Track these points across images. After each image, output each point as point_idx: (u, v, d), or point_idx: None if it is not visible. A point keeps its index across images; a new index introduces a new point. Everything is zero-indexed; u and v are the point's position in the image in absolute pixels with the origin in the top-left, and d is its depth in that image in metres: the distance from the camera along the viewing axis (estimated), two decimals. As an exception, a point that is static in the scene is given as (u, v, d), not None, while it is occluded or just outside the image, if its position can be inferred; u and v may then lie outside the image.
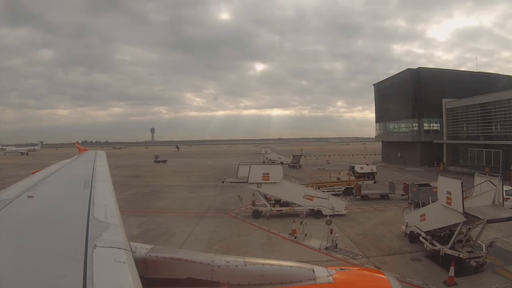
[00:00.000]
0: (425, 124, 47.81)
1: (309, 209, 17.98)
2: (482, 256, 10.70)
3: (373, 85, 60.97)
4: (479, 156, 34.37)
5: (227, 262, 2.89)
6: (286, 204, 18.88)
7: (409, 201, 20.40)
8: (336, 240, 13.19)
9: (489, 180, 12.13)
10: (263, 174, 18.17)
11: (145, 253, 2.93)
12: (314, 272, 2.84)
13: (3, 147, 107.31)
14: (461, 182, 10.65)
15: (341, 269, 3.03)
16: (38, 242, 2.23)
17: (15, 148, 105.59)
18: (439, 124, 46.05)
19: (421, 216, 13.37)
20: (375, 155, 64.74)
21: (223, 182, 22.63)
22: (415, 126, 47.85)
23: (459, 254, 10.92)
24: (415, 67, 48.97)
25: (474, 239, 11.60)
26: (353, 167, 30.51)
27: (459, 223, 10.92)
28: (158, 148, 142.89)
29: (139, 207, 21.31)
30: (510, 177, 24.53)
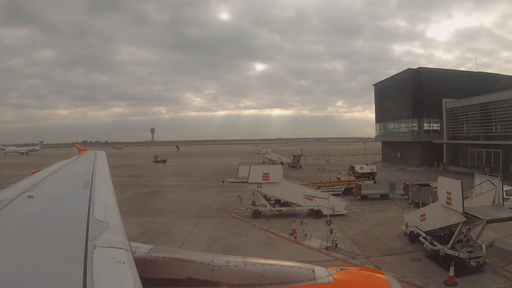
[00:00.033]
0: (425, 124, 47.81)
1: (309, 209, 17.98)
2: (482, 256, 10.70)
3: (373, 85, 60.98)
4: (479, 156, 34.37)
5: (227, 262, 2.88)
6: (286, 204, 18.88)
7: (409, 201, 20.40)
8: (336, 240, 13.19)
9: (489, 180, 12.13)
10: (263, 174, 18.17)
11: (145, 253, 2.93)
12: (314, 272, 2.84)
13: (3, 147, 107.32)
14: (461, 182, 10.65)
15: (341, 269, 3.03)
16: (38, 242, 2.23)
17: (15, 148, 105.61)
18: (439, 124, 46.06)
19: (421, 216, 13.37)
20: (375, 155, 64.73)
21: (223, 182, 22.63)
22: (415, 126, 47.86)
23: (459, 254, 10.92)
24: (415, 67, 49.05)
25: (474, 239, 11.60)
26: (353, 167, 30.51)
27: (459, 223, 10.92)
28: (158, 148, 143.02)
29: (139, 207, 21.31)
30: (510, 177, 24.52)
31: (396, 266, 11.41)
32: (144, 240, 13.67)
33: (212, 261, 2.87)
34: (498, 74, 49.37)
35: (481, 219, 10.21)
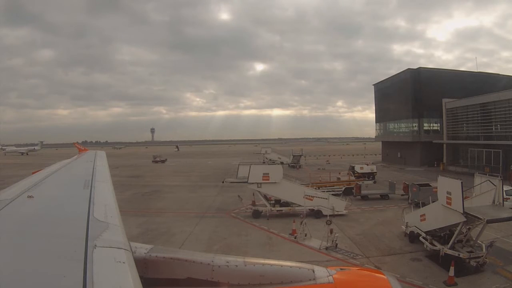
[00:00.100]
0: (425, 124, 47.81)
1: (309, 209, 17.98)
2: (482, 256, 10.70)
3: (373, 85, 60.97)
4: (479, 156, 34.37)
5: (227, 262, 2.88)
6: (286, 204, 18.88)
7: (409, 201, 20.40)
8: (336, 240, 13.19)
9: (489, 180, 12.12)
10: (263, 174, 18.16)
11: (145, 253, 2.92)
12: (314, 272, 2.84)
13: (3, 147, 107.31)
14: (461, 182, 10.65)
15: (341, 269, 3.03)
16: (38, 242, 2.23)
17: (15, 148, 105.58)
18: (439, 124, 46.05)
19: (421, 216, 13.37)
20: (375, 155, 64.73)
21: (223, 182, 22.63)
22: (415, 126, 47.85)
23: (459, 254, 10.92)
24: (415, 67, 49.03)
25: (474, 239, 11.60)
26: (353, 167, 30.48)
27: (459, 223, 10.92)
28: (158, 148, 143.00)
29: (139, 207, 21.31)
30: (510, 177, 24.53)
31: (396, 266, 11.41)
32: (144, 240, 13.67)
33: (212, 261, 2.87)
34: (498, 74, 49.38)
35: (481, 219, 10.21)
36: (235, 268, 2.85)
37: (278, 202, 19.23)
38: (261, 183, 18.17)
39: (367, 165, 32.04)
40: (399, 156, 49.73)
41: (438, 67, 70.00)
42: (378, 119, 59.25)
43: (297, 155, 48.94)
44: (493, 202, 11.52)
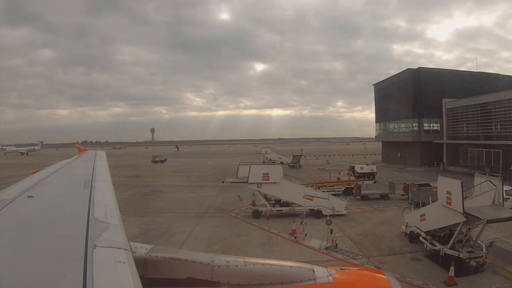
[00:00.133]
0: (425, 124, 47.81)
1: (309, 209, 17.98)
2: (482, 256, 10.70)
3: (373, 85, 60.97)
4: (479, 156, 34.37)
5: (227, 262, 2.88)
6: (286, 204, 18.88)
7: (409, 201, 20.40)
8: (336, 240, 13.19)
9: (489, 180, 12.12)
10: (263, 174, 18.16)
11: (145, 253, 2.92)
12: (314, 272, 2.84)
13: (3, 147, 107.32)
14: (461, 182, 10.65)
15: (341, 269, 3.02)
16: (38, 242, 2.23)
17: (15, 148, 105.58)
18: (439, 124, 46.05)
19: (421, 216, 13.37)
20: (375, 155, 64.72)
21: (223, 182, 22.63)
22: (415, 126, 47.85)
23: (459, 254, 10.92)
24: (415, 67, 49.03)
25: (474, 239, 11.60)
26: (353, 167, 30.48)
27: (459, 223, 10.92)
28: (158, 148, 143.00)
29: (139, 207, 21.31)
30: (510, 177, 24.53)
31: (396, 266, 11.41)
32: (144, 240, 13.67)
33: (212, 261, 2.87)
34: (498, 74, 49.37)
35: (481, 219, 10.21)
36: (235, 268, 2.85)
37: (278, 202, 19.23)
38: (261, 183, 18.17)
39: (367, 165, 32.03)
40: (399, 156, 49.73)
41: (438, 67, 70.07)
42: (378, 119, 59.25)
43: (297, 155, 48.94)
44: (493, 202, 11.52)
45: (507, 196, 14.12)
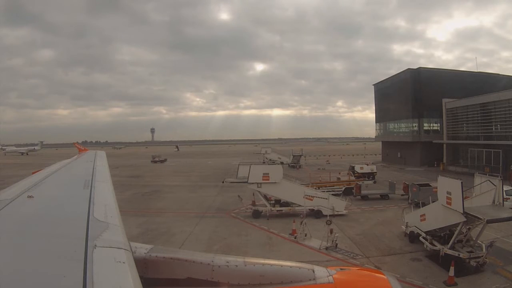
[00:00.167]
0: (425, 124, 47.81)
1: (309, 209, 17.98)
2: (482, 256, 10.70)
3: (373, 85, 60.97)
4: (479, 156, 34.37)
5: (227, 262, 2.88)
6: (286, 204, 18.88)
7: (409, 201, 20.39)
8: (336, 240, 13.19)
9: (489, 180, 12.12)
10: (263, 174, 18.16)
11: (145, 253, 2.92)
12: (314, 272, 2.84)
13: (3, 147, 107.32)
14: (461, 182, 10.65)
15: (341, 269, 3.02)
16: (38, 242, 2.23)
17: (15, 148, 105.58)
18: (439, 124, 46.06)
19: (421, 216, 13.37)
20: (375, 155, 64.73)
21: (223, 182, 22.63)
22: (415, 126, 47.85)
23: (459, 254, 10.92)
24: (415, 67, 49.03)
25: (474, 239, 11.60)
26: (353, 167, 30.49)
27: (459, 223, 10.92)
28: (158, 148, 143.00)
29: (139, 207, 21.31)
30: (510, 177, 24.53)
31: (396, 266, 11.41)
32: (144, 240, 13.67)
33: (212, 261, 2.87)
34: (498, 74, 49.38)
35: (481, 219, 10.21)
36: (235, 268, 2.85)
37: (278, 202, 19.23)
38: (261, 183, 18.17)
39: (367, 165, 32.03)
40: (399, 156, 49.73)
41: (438, 67, 70.11)
42: (378, 119, 59.25)
43: (297, 155, 48.94)
44: (493, 202, 11.52)
45: (507, 196, 14.12)
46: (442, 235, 12.27)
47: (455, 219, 10.98)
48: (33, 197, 3.41)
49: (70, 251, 2.02)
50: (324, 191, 20.90)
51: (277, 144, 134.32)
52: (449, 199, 11.09)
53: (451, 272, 9.94)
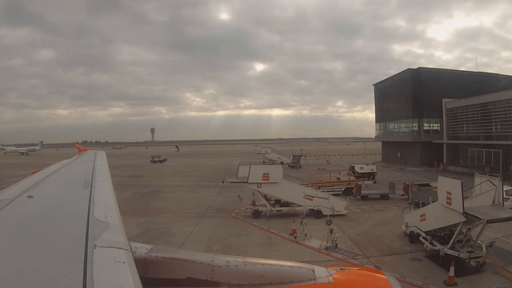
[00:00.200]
0: (425, 124, 47.81)
1: (309, 209, 17.98)
2: (482, 256, 10.70)
3: (373, 85, 60.98)
4: (479, 156, 34.37)
5: (227, 262, 2.88)
6: (286, 204, 18.88)
7: (409, 201, 20.40)
8: (336, 240, 13.19)
9: (489, 180, 12.12)
10: (263, 174, 18.16)
11: (145, 253, 2.92)
12: (314, 272, 2.84)
13: (3, 147, 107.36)
14: (461, 182, 10.65)
15: (341, 269, 3.03)
16: (38, 242, 2.23)
17: (15, 148, 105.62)
18: (439, 124, 46.06)
19: (421, 216, 13.37)
20: (375, 155, 64.72)
21: (223, 182, 22.63)
22: (415, 126, 47.86)
23: (459, 254, 10.92)
24: (415, 67, 49.04)
25: (474, 239, 11.60)
26: (353, 167, 30.52)
27: (459, 223, 10.92)
28: (158, 148, 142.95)
29: (139, 207, 21.31)
30: (510, 177, 24.54)
31: (396, 266, 11.41)
32: (144, 240, 13.67)
33: (212, 261, 2.87)
34: (498, 74, 49.38)
35: (481, 219, 10.21)
36: (235, 268, 2.85)
37: (278, 202, 19.23)
38: (261, 183, 18.17)
39: (367, 165, 32.06)
40: (399, 156, 49.73)
41: (438, 67, 70.12)
42: (378, 119, 59.26)
43: (297, 155, 48.95)
44: (493, 202, 11.52)
45: (507, 196, 14.12)
46: (442, 235, 12.27)
47: (455, 219, 10.98)
48: (33, 197, 3.41)
49: (70, 251, 2.02)
50: (324, 191, 20.90)
51: (277, 144, 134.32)
52: (449, 199, 11.09)
53: (451, 272, 9.94)
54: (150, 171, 47.22)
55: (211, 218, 18.73)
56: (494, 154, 32.11)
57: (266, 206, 18.60)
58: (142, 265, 2.78)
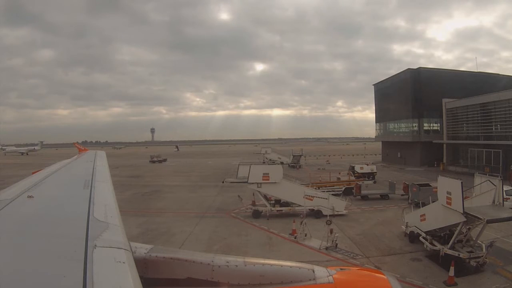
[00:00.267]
0: (425, 124, 47.82)
1: (309, 209, 17.98)
2: (482, 256, 10.70)
3: (373, 85, 60.98)
4: (479, 156, 34.37)
5: (227, 262, 2.88)
6: (286, 204, 18.88)
7: (409, 201, 20.40)
8: (336, 240, 13.19)
9: (489, 180, 12.12)
10: (263, 174, 18.16)
11: (145, 253, 2.93)
12: (314, 272, 2.84)
13: (3, 147, 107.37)
14: (461, 182, 10.65)
15: (341, 269, 3.03)
16: (38, 242, 2.23)
17: (15, 148, 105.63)
18: (439, 124, 46.06)
19: (421, 216, 13.37)
20: (375, 155, 64.73)
21: (223, 182, 22.62)
22: (415, 126, 47.86)
23: (459, 254, 10.92)
24: (415, 67, 49.04)
25: (474, 239, 11.60)
26: (353, 167, 30.52)
27: (459, 223, 10.92)
28: (158, 148, 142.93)
29: (139, 207, 21.31)
30: (510, 177, 24.54)
31: (396, 266, 11.41)
32: (144, 240, 13.67)
33: (212, 261, 2.87)
34: (498, 74, 49.38)
35: (481, 219, 10.21)
36: (235, 268, 2.85)
37: (278, 202, 19.23)
38: (261, 183, 18.17)
39: (367, 165, 32.06)
40: (399, 156, 49.73)
41: (438, 67, 70.15)
42: (378, 119, 59.26)
43: (297, 155, 48.95)
44: (493, 202, 11.52)
45: (507, 196, 14.12)
46: (442, 235, 12.27)
47: (455, 219, 10.98)
48: (33, 197, 3.41)
49: (70, 251, 2.02)
50: (324, 191, 20.90)
51: (277, 144, 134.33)
52: (449, 199, 11.09)
53: (451, 272, 9.94)
54: (150, 171, 47.23)
55: (211, 218, 18.73)
56: (494, 154, 32.11)
57: (266, 206, 18.60)
58: (142, 265, 2.78)
